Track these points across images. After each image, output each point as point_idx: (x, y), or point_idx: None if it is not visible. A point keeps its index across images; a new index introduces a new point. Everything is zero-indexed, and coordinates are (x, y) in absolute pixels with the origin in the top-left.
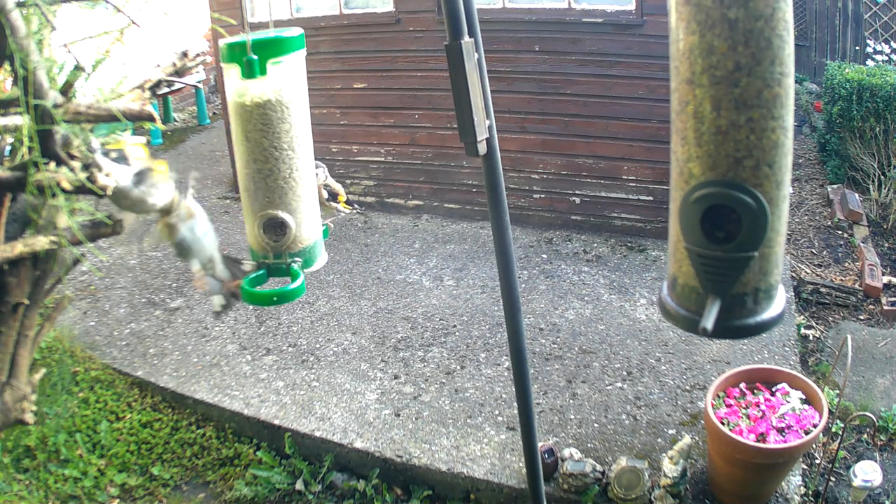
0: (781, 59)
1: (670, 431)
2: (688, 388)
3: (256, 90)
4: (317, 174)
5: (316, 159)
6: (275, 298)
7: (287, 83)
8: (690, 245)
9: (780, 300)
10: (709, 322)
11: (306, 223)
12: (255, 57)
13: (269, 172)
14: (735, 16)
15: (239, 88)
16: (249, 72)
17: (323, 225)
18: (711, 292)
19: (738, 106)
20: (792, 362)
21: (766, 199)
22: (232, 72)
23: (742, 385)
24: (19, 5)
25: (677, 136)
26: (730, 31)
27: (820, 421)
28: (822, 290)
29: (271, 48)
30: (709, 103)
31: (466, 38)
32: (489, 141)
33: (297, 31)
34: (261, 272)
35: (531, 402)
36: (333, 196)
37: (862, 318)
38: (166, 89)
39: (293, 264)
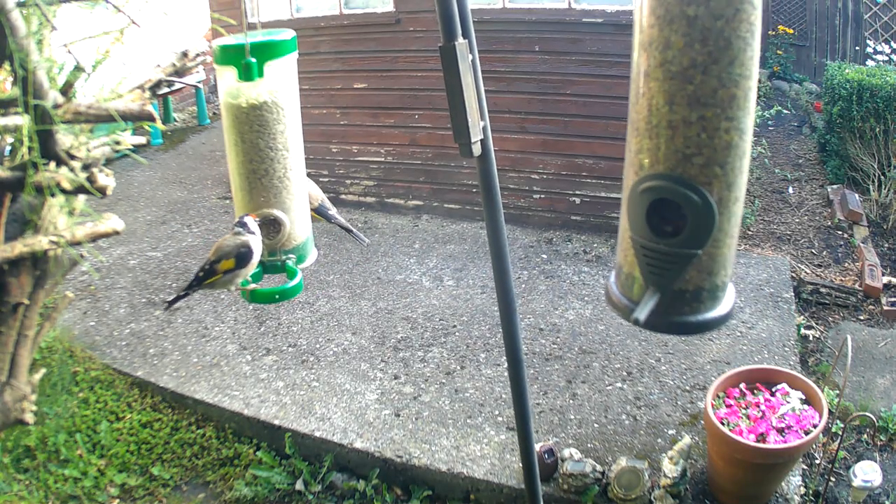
0: (742, 60)
1: (670, 432)
2: (688, 388)
3: (252, 92)
4: None
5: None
6: (277, 296)
7: (281, 84)
8: (635, 235)
9: (727, 301)
10: (642, 313)
11: (299, 221)
12: (254, 60)
13: (264, 172)
14: (694, 13)
15: (232, 90)
16: (247, 74)
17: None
18: (652, 285)
19: (690, 103)
20: (792, 362)
21: (715, 199)
22: (226, 74)
23: (742, 385)
24: (19, 5)
25: (631, 126)
26: (687, 27)
27: (820, 421)
28: (822, 290)
29: (267, 50)
30: (662, 97)
31: (460, 40)
32: (484, 142)
33: (289, 34)
34: (257, 270)
35: (527, 403)
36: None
37: (862, 318)
38: (166, 89)
39: (288, 261)
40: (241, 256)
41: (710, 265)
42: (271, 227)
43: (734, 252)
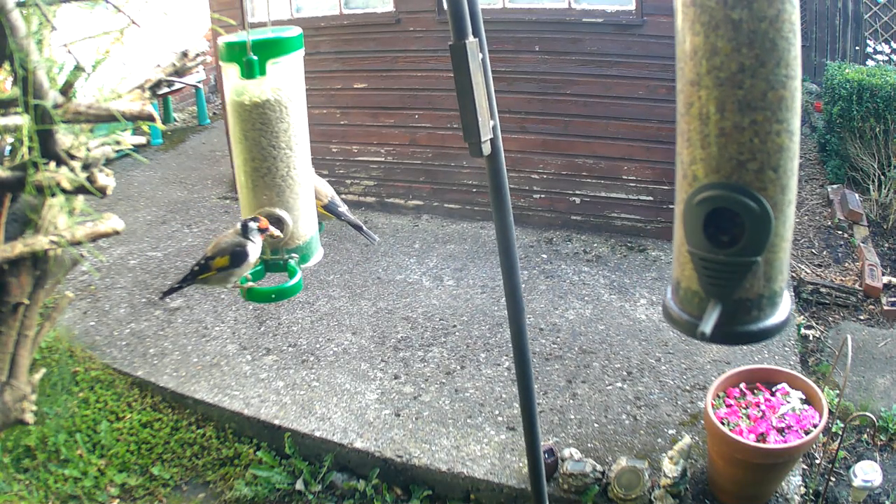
0: (787, 61)
1: (670, 431)
2: (688, 388)
3: (255, 90)
4: None
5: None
6: (273, 296)
7: (286, 83)
8: (693, 248)
9: (784, 306)
10: (707, 326)
11: (303, 220)
12: (255, 57)
13: (266, 171)
14: (739, 17)
15: (237, 87)
16: (249, 72)
17: (319, 223)
18: (713, 297)
19: (741, 108)
20: (792, 362)
21: (771, 204)
22: (231, 71)
23: (742, 385)
24: (19, 5)
25: (682, 138)
26: (734, 32)
27: (820, 421)
28: (822, 290)
29: (271, 48)
30: (713, 105)
31: (471, 38)
32: (493, 142)
33: (295, 31)
34: (258, 268)
35: (534, 402)
36: None
37: (862, 318)
38: (166, 89)
39: (290, 260)
40: (236, 256)
41: (769, 271)
42: (274, 225)
43: (789, 256)
